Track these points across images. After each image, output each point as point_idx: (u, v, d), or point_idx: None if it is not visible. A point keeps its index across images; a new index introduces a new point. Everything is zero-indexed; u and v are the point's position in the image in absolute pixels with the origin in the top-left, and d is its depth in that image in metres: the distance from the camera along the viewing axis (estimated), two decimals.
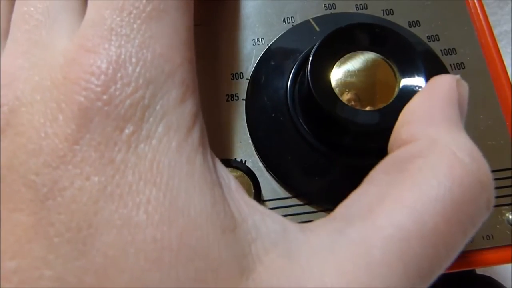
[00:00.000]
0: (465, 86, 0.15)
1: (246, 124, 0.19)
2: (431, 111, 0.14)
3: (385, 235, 0.11)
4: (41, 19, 0.13)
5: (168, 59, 0.12)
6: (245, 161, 0.18)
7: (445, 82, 0.14)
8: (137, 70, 0.11)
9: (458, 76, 0.15)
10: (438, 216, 0.12)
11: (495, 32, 0.42)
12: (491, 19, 0.44)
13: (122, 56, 0.11)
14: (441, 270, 0.12)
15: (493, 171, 0.19)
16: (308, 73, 0.16)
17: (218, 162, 0.13)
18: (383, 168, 0.13)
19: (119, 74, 0.11)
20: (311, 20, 0.21)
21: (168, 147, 0.11)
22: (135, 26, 0.12)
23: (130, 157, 0.11)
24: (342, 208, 0.13)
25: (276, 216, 0.13)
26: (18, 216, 0.11)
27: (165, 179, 0.11)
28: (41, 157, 0.11)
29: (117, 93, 0.11)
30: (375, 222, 0.12)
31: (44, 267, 0.10)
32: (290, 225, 0.13)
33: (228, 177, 0.13)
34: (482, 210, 0.12)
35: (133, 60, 0.12)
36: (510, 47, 0.40)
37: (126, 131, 0.11)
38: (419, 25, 0.21)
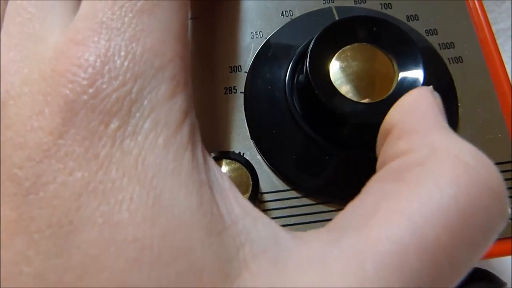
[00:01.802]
0: (438, 96, 0.14)
1: (245, 117, 0.19)
2: (424, 121, 0.13)
3: (380, 249, 0.10)
4: (34, 12, 0.13)
5: (159, 53, 0.12)
6: (244, 153, 0.18)
7: (425, 93, 0.14)
8: (125, 64, 0.11)
9: (430, 87, 0.14)
10: (441, 228, 0.10)
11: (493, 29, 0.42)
12: (488, 16, 0.44)
13: (111, 50, 0.11)
14: (448, 284, 0.11)
15: None
16: (307, 65, 0.16)
17: (211, 161, 0.13)
18: (379, 177, 0.13)
19: (106, 68, 0.11)
20: (311, 13, 0.21)
21: (154, 144, 0.11)
22: (126, 19, 0.12)
23: (114, 153, 0.11)
24: (338, 219, 0.12)
25: (268, 221, 0.12)
26: (3, 209, 0.11)
27: (150, 176, 0.11)
28: (26, 151, 0.11)
29: (104, 86, 0.11)
30: (369, 235, 0.11)
31: (23, 263, 0.10)
32: (282, 233, 0.12)
33: (222, 176, 0.13)
34: (496, 221, 0.11)
35: (122, 53, 0.11)
36: (508, 44, 0.40)
37: (112, 126, 0.11)
38: (417, 19, 0.21)
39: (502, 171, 0.19)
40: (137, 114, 0.11)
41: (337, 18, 0.20)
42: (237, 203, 0.12)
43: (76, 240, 0.10)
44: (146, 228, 0.10)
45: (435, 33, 0.21)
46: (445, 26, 0.21)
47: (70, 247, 0.10)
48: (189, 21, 0.21)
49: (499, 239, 0.18)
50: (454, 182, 0.11)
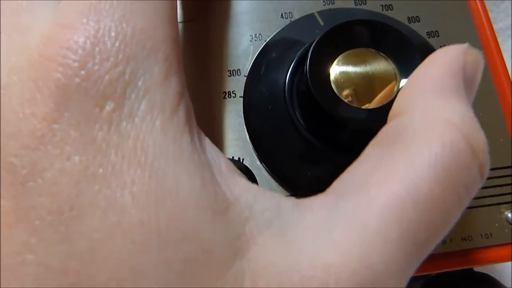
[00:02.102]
0: (474, 55, 0.14)
1: (244, 122, 0.19)
2: (426, 81, 0.13)
3: (379, 204, 0.11)
4: (22, 3, 0.13)
5: (150, 35, 0.12)
6: (243, 159, 0.18)
7: (448, 52, 0.14)
8: (116, 44, 0.11)
9: (466, 45, 0.14)
10: (432, 182, 0.11)
11: None
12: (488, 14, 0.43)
13: (101, 31, 0.11)
14: (438, 240, 0.12)
15: (492, 169, 0.19)
16: (307, 70, 0.16)
17: (208, 142, 0.13)
18: (375, 141, 0.13)
19: (97, 49, 0.11)
20: (315, 14, 0.20)
21: (152, 126, 0.11)
22: (114, 1, 0.11)
23: (112, 136, 0.11)
24: (337, 183, 0.13)
25: (269, 192, 0.12)
26: None
27: (150, 159, 0.11)
28: (20, 139, 0.11)
29: (96, 68, 0.11)
30: (368, 193, 0.12)
31: (26, 251, 0.10)
32: (284, 201, 0.12)
33: (219, 156, 0.13)
34: (476, 177, 0.12)
35: (112, 34, 0.11)
36: (507, 44, 0.40)
37: (107, 108, 0.11)
38: (419, 21, 0.21)
39: (503, 176, 0.19)
40: (132, 96, 0.11)
41: (321, 24, 0.20)
42: (235, 181, 0.12)
43: (79, 226, 0.10)
44: (151, 211, 0.10)
45: (437, 35, 0.20)
46: (446, 28, 0.21)
47: (73, 233, 0.10)
48: (186, 24, 0.20)
49: (499, 245, 0.18)
50: (441, 141, 0.12)
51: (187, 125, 0.12)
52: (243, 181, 0.12)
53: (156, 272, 0.10)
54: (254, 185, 0.13)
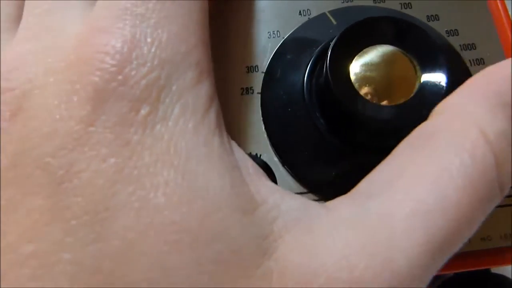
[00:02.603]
0: None
1: (262, 118, 0.19)
2: (476, 88, 0.13)
3: (406, 209, 0.11)
4: (53, 3, 0.13)
5: (184, 39, 0.12)
6: (260, 155, 0.18)
7: (497, 69, 0.14)
8: (153, 50, 0.11)
9: None
10: (460, 191, 0.11)
11: None
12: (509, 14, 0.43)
13: (137, 36, 0.11)
14: (460, 245, 0.12)
15: None
16: (327, 67, 0.16)
17: (235, 145, 0.13)
18: (408, 141, 0.13)
19: (134, 54, 0.11)
20: (327, 13, 0.20)
21: (184, 129, 0.11)
22: (150, 5, 0.12)
23: (146, 138, 0.11)
24: (364, 182, 0.13)
25: (295, 195, 0.13)
26: (33, 199, 0.11)
27: (183, 161, 0.11)
28: (56, 140, 0.11)
29: (133, 73, 0.11)
30: (395, 196, 0.12)
31: (62, 250, 0.10)
32: (311, 203, 0.12)
33: (245, 159, 0.13)
34: (496, 194, 0.12)
35: (148, 40, 0.11)
36: None
37: (142, 111, 0.11)
38: (438, 19, 0.21)
39: None
40: (167, 100, 0.11)
41: (334, 23, 0.20)
42: (262, 183, 0.12)
43: (113, 226, 0.10)
44: (184, 211, 0.10)
45: (456, 33, 0.20)
46: (466, 27, 0.20)
47: (108, 233, 0.10)
48: None
49: (499, 248, 0.18)
50: (472, 154, 0.12)
51: (217, 128, 0.12)
52: (269, 183, 0.13)
53: (187, 272, 0.10)
54: (280, 187, 0.13)
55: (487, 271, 0.20)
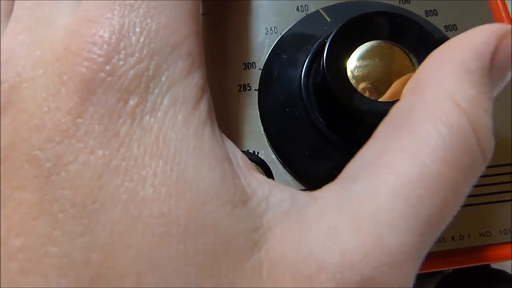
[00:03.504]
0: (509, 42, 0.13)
1: (259, 115, 0.19)
2: (446, 59, 0.13)
3: (389, 185, 0.11)
4: None
5: (174, 30, 0.12)
6: (258, 152, 0.18)
7: (482, 31, 0.13)
8: (141, 40, 0.11)
9: (507, 26, 0.13)
10: (441, 162, 0.11)
11: None
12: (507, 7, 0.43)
13: (126, 26, 0.11)
14: (449, 219, 0.12)
15: (507, 164, 0.18)
16: (324, 62, 0.16)
17: (225, 137, 0.13)
18: (386, 121, 0.13)
19: (122, 44, 0.11)
20: (320, 10, 0.20)
21: (174, 120, 0.11)
22: None
23: (135, 130, 0.11)
24: (347, 168, 0.13)
25: (283, 186, 0.13)
26: (21, 193, 0.11)
27: (172, 152, 0.11)
28: (44, 132, 0.11)
29: (121, 63, 0.11)
30: (377, 174, 0.12)
31: (49, 244, 0.10)
32: (299, 193, 0.12)
33: (235, 151, 0.13)
34: (479, 160, 0.12)
35: (137, 30, 0.11)
36: None
37: (131, 102, 0.11)
38: (436, 14, 0.20)
39: None
40: (156, 91, 0.11)
41: (328, 20, 0.20)
42: (252, 175, 0.12)
43: (101, 219, 0.10)
44: (172, 203, 0.10)
45: (455, 28, 0.20)
46: (465, 22, 0.20)
47: (96, 226, 0.10)
48: (204, 16, 0.20)
49: (499, 243, 0.18)
50: (447, 123, 0.12)
51: (208, 119, 0.12)
52: (258, 175, 0.13)
53: (175, 264, 0.10)
54: (269, 179, 0.13)
55: (487, 266, 0.20)
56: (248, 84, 0.19)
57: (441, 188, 0.11)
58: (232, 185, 0.11)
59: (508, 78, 0.13)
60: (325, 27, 0.20)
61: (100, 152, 0.11)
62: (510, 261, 0.19)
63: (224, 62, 0.20)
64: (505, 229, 0.18)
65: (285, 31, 0.20)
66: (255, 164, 0.16)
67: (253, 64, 0.19)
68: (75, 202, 0.10)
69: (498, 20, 0.20)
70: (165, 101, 0.11)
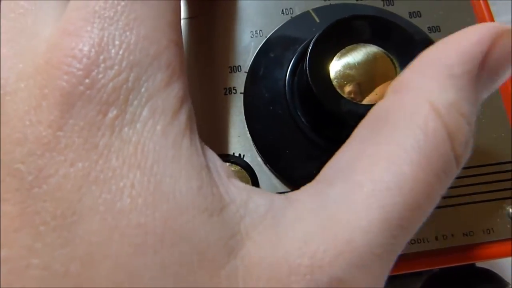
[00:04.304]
0: (509, 41, 0.13)
1: (245, 118, 0.19)
2: (431, 61, 0.13)
3: (365, 191, 0.11)
4: (27, 7, 0.13)
5: (153, 41, 0.12)
6: (244, 155, 0.18)
7: (474, 32, 0.13)
8: (121, 52, 0.11)
9: (507, 27, 0.13)
10: (416, 167, 0.12)
11: None
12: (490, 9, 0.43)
13: (105, 39, 0.11)
14: (421, 222, 0.12)
15: (493, 164, 0.19)
16: (307, 65, 0.16)
17: (206, 146, 0.13)
18: (365, 123, 0.13)
19: (101, 57, 0.11)
20: (311, 11, 0.20)
21: (153, 131, 0.11)
22: (119, 8, 0.12)
23: (113, 141, 0.11)
24: (325, 169, 0.13)
25: (262, 191, 0.13)
26: (4, 206, 0.11)
27: (150, 163, 0.11)
28: (26, 146, 0.11)
29: (100, 76, 0.11)
30: (354, 179, 0.12)
31: (31, 256, 0.10)
32: (276, 197, 0.13)
33: (216, 159, 0.13)
34: (452, 165, 0.12)
35: (116, 42, 0.11)
36: None
37: (110, 114, 0.11)
38: (420, 16, 0.21)
39: (504, 171, 0.19)
40: (135, 102, 0.11)
41: (318, 22, 0.20)
42: (231, 183, 0.12)
43: (80, 230, 0.10)
44: (149, 213, 0.11)
45: (438, 30, 0.20)
46: (448, 23, 0.20)
47: (75, 237, 0.10)
48: (187, 21, 0.20)
49: (500, 240, 0.18)
50: (424, 128, 0.12)
51: (187, 129, 0.12)
52: (238, 183, 0.13)
53: (152, 275, 0.10)
54: (248, 186, 0.13)
55: (472, 265, 0.20)
56: (233, 87, 0.19)
57: (415, 192, 0.12)
58: (210, 194, 0.11)
59: (501, 78, 0.13)
60: (313, 28, 0.20)
61: (80, 164, 0.11)
62: (494, 260, 0.19)
63: (210, 66, 0.20)
64: (488, 229, 0.18)
65: (270, 34, 0.20)
66: (239, 167, 0.16)
67: (239, 67, 0.19)
68: (56, 215, 0.10)
69: (481, 21, 0.21)
70: (144, 113, 0.11)
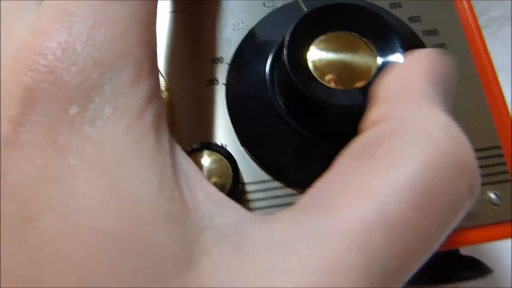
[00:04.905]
0: (446, 61, 0.14)
1: (227, 109, 0.19)
2: (404, 88, 0.13)
3: (344, 228, 0.10)
4: (7, 7, 0.13)
5: (122, 40, 0.12)
6: (226, 145, 0.18)
7: (422, 57, 0.14)
8: (86, 50, 0.11)
9: (438, 50, 0.14)
10: (407, 205, 0.10)
11: (484, 18, 0.42)
12: (480, 5, 0.43)
13: (72, 36, 0.11)
14: (415, 268, 0.11)
15: (474, 150, 0.19)
16: (285, 53, 0.16)
17: (178, 148, 0.13)
18: (350, 152, 0.13)
19: (67, 54, 0.11)
20: (299, 1, 0.20)
21: (114, 129, 0.11)
22: (90, 7, 0.12)
23: (72, 138, 0.11)
24: (306, 197, 0.12)
25: (234, 206, 0.12)
26: None
27: (108, 162, 0.11)
28: None
29: (63, 73, 0.11)
30: (334, 214, 0.11)
31: None
32: (247, 217, 0.12)
33: (188, 163, 0.13)
34: (463, 197, 0.11)
35: (83, 40, 0.11)
36: (500, 33, 0.40)
37: (71, 111, 0.11)
38: (400, 7, 0.21)
39: (486, 157, 0.19)
40: (97, 100, 0.11)
41: (305, 10, 0.20)
42: (201, 189, 0.12)
43: (34, 230, 0.10)
44: (103, 215, 0.10)
45: (418, 20, 0.21)
46: (428, 13, 0.21)
47: (29, 237, 0.10)
48: (172, 14, 0.21)
49: (499, 222, 0.18)
50: (420, 159, 0.11)
51: (153, 128, 0.12)
52: (211, 190, 0.12)
53: (104, 281, 0.10)
54: (221, 195, 0.12)
55: (456, 252, 0.20)
56: (216, 79, 0.19)
57: (402, 234, 0.10)
58: (171, 197, 0.11)
59: (451, 92, 0.14)
60: (294, 20, 0.20)
61: (37, 161, 0.10)
62: (477, 246, 0.19)
63: (192, 58, 0.20)
64: (470, 214, 0.18)
65: (252, 26, 0.20)
66: (220, 155, 0.16)
67: (221, 59, 0.20)
68: (12, 211, 0.10)
69: (460, 9, 0.21)
70: (107, 110, 0.11)
